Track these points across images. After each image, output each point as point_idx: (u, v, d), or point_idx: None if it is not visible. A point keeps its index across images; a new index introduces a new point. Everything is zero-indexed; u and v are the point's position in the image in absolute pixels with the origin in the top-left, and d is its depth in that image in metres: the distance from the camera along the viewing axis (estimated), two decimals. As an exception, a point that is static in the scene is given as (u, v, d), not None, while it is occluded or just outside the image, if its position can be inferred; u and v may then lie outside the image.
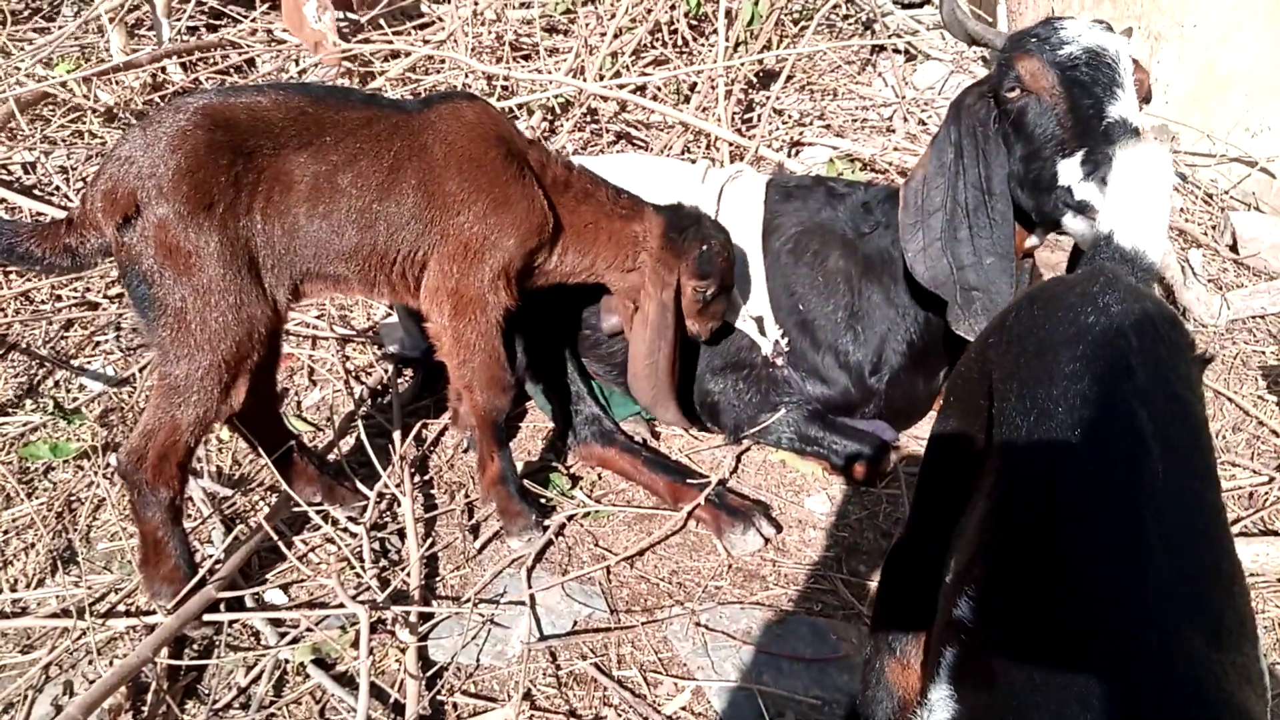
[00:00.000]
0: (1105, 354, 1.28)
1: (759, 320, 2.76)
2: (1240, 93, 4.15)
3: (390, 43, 4.58)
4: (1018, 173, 2.36)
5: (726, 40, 4.43)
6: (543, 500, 2.63)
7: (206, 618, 2.17)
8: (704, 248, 2.48)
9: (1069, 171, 2.22)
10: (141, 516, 2.11)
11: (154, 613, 2.16)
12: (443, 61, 4.52)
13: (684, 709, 2.10)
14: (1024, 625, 1.11)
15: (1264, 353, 3.39)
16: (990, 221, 2.42)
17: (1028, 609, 1.12)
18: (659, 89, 4.51)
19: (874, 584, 2.44)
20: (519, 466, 2.73)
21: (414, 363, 3.03)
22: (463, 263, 2.26)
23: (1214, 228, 4.05)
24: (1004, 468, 1.29)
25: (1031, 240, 2.52)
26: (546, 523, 2.51)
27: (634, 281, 2.56)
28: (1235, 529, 2.62)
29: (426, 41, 4.75)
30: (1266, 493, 2.74)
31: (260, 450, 2.43)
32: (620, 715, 2.08)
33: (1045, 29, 2.32)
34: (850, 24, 5.49)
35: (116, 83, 4.39)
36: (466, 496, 2.63)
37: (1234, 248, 3.90)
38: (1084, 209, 2.21)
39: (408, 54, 4.56)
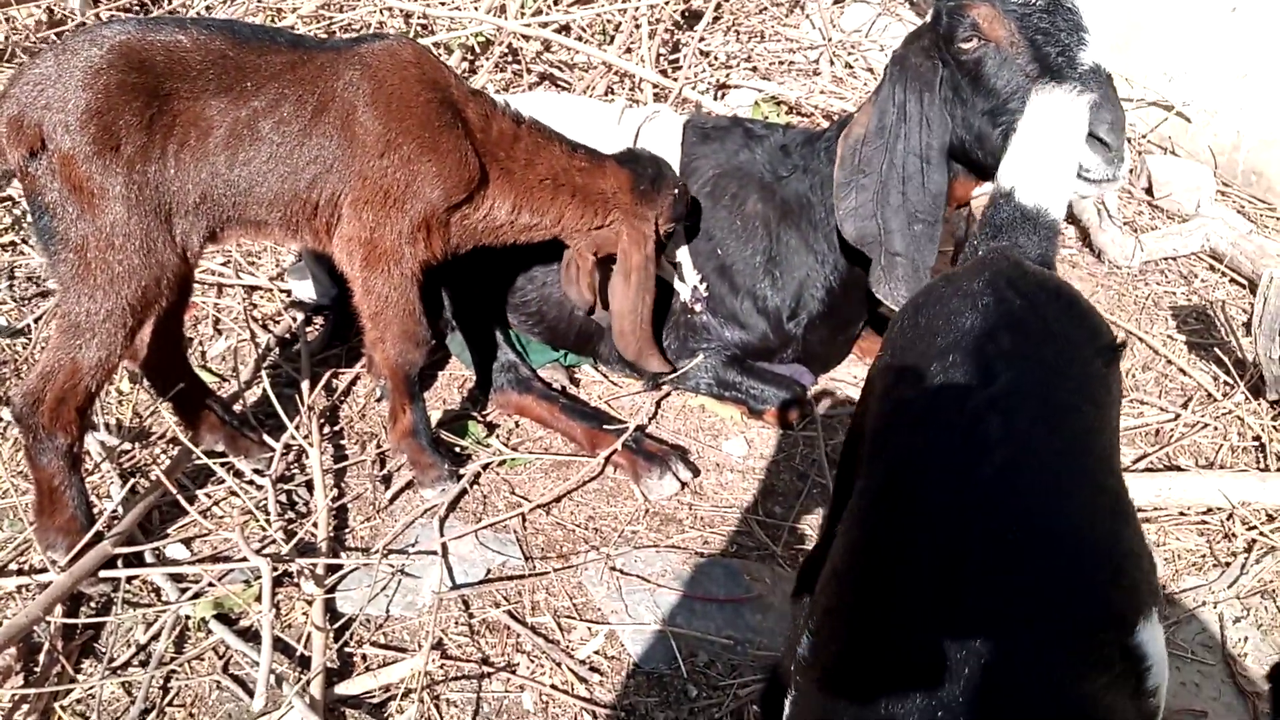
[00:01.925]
0: (970, 360, 1.24)
1: (677, 266, 2.73)
2: (1158, 37, 4.18)
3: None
4: (977, 126, 2.29)
5: (651, -22, 4.32)
6: (458, 449, 2.59)
7: (104, 574, 2.09)
8: (675, 192, 2.45)
9: None
10: (37, 464, 2.04)
11: (46, 570, 2.08)
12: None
13: (597, 653, 2.10)
14: (846, 659, 1.10)
15: (1175, 293, 3.46)
16: (924, 189, 2.39)
17: (851, 640, 1.11)
18: (584, 29, 4.40)
19: (789, 525, 2.45)
20: (436, 415, 2.68)
21: (324, 310, 2.95)
22: (380, 210, 2.17)
23: (1131, 170, 4.10)
24: (860, 488, 1.27)
25: (980, 190, 2.49)
26: (461, 472, 2.47)
27: (601, 238, 2.49)
28: (1141, 465, 2.69)
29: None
30: (1172, 429, 2.81)
31: (164, 399, 2.35)
32: (533, 661, 2.06)
33: None
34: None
35: (7, 20, 4.15)
36: (379, 447, 2.58)
37: (1150, 190, 3.96)
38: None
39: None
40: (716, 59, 4.52)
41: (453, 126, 2.20)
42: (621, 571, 2.27)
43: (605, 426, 2.60)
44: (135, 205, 1.92)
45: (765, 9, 4.91)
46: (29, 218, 1.95)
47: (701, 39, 4.39)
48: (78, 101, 1.86)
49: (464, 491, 2.46)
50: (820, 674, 1.12)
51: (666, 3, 4.32)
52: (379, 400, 2.75)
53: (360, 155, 2.13)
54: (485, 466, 2.55)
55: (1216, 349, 3.08)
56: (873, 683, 1.04)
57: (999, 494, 1.13)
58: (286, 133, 2.05)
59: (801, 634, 1.19)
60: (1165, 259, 3.61)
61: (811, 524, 2.46)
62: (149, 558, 2.18)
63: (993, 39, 2.21)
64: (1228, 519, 2.49)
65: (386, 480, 2.48)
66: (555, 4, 4.48)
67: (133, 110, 1.90)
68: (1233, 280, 3.50)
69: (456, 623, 2.13)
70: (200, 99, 1.97)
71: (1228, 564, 2.38)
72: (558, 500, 2.46)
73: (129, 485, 2.33)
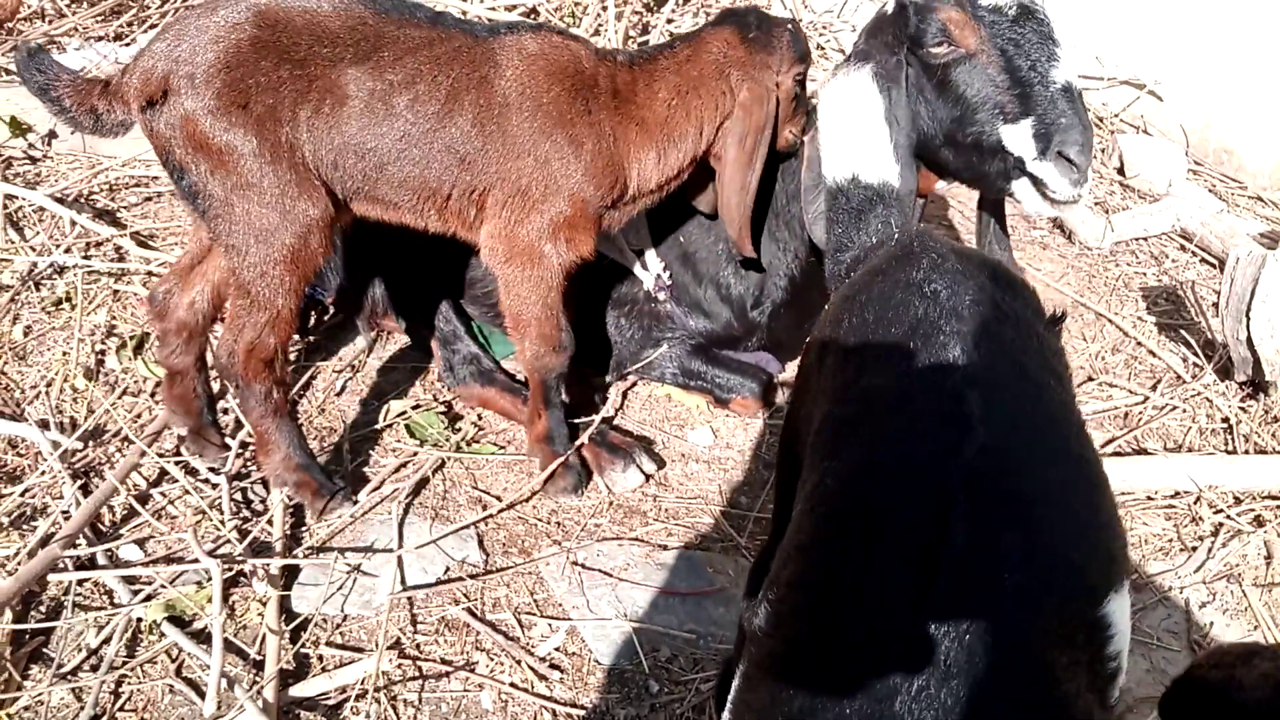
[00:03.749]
0: (936, 346, 1.23)
1: (640, 254, 2.69)
2: (1130, 16, 4.15)
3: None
4: (944, 130, 2.23)
5: (619, -41, 4.26)
6: (419, 444, 2.55)
7: (53, 577, 2.06)
8: (788, 31, 2.24)
9: (1017, 140, 2.11)
10: (245, 410, 2.23)
11: (-6, 576, 2.04)
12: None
13: (558, 650, 2.07)
14: (810, 628, 1.08)
15: (1145, 274, 3.45)
16: None
17: (820, 616, 1.09)
18: (551, 13, 4.34)
19: (754, 515, 2.43)
20: (399, 406, 2.64)
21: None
22: (520, 210, 2.14)
23: (1103, 150, 4.08)
24: (826, 468, 1.25)
25: (940, 185, 2.46)
26: (576, 482, 2.43)
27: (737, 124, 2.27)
28: (1110, 448, 2.68)
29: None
30: (1140, 412, 2.79)
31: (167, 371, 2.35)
32: (492, 659, 2.04)
33: None
34: (751, -56, 5.33)
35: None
36: (340, 443, 2.54)
37: (1121, 170, 3.94)
38: (1039, 184, 2.14)
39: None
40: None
41: (586, 114, 2.13)
42: (583, 566, 2.25)
43: (570, 419, 2.57)
44: (270, 164, 1.93)
45: (736, -10, 4.86)
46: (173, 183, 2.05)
47: (669, 20, 4.34)
48: (206, 56, 1.88)
49: (424, 483, 2.43)
50: (782, 647, 1.10)
51: (634, -15, 4.26)
52: (339, 395, 2.71)
53: (495, 155, 2.09)
54: (445, 460, 2.51)
55: (1185, 330, 3.07)
56: (844, 658, 1.02)
57: (983, 472, 1.12)
58: (420, 114, 2.02)
59: (759, 605, 1.17)
60: (1136, 239, 3.59)
61: (777, 514, 2.44)
62: (101, 559, 2.15)
63: (963, 46, 2.16)
64: (1195, 502, 2.48)
65: (346, 476, 2.44)
66: (522, -14, 4.42)
67: (264, 70, 1.90)
68: (1203, 260, 3.49)
69: (414, 621, 2.10)
70: (337, 65, 1.96)
71: (1194, 548, 2.37)
72: (526, 500, 2.43)
73: (79, 485, 2.28)
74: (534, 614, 2.14)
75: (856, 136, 1.62)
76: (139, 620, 2.04)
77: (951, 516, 1.05)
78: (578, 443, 2.47)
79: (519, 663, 2.02)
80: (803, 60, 2.26)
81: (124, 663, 1.97)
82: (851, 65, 2.34)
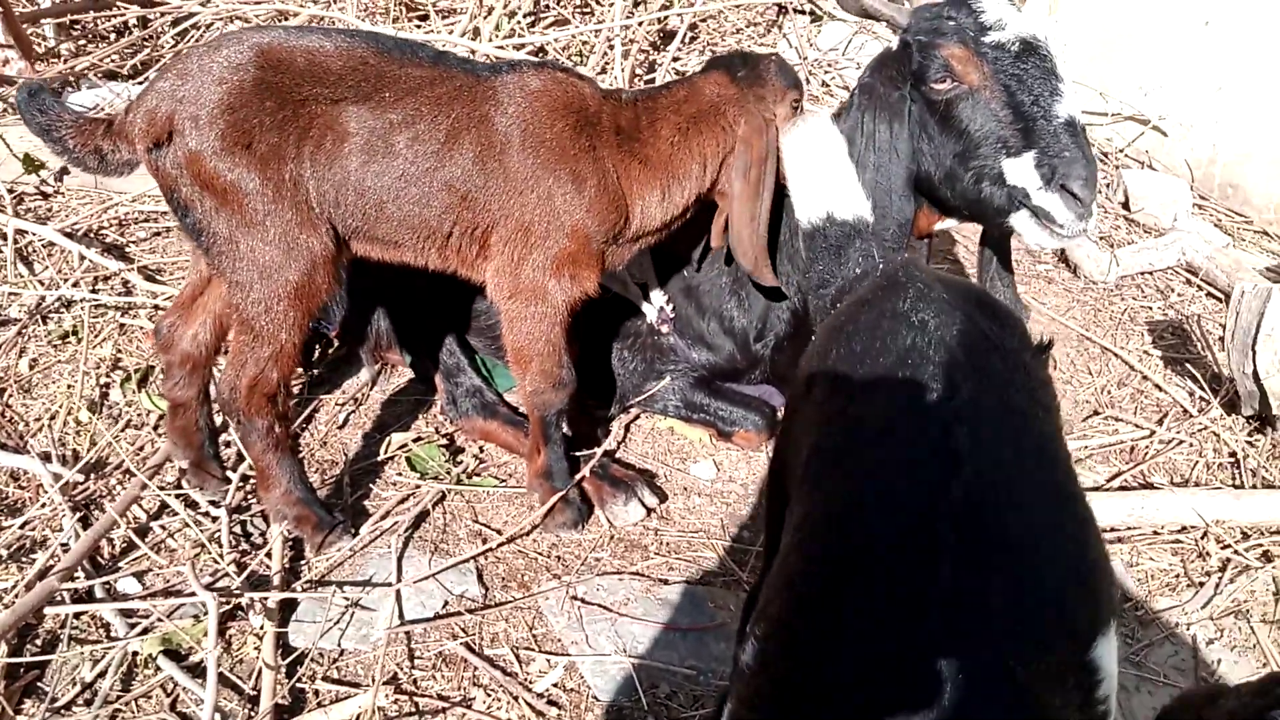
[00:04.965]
0: (924, 376, 1.23)
1: (644, 286, 2.70)
2: (1134, 51, 4.18)
3: (273, 2, 4.39)
4: (947, 165, 2.24)
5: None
6: (420, 476, 2.54)
7: (49, 611, 2.05)
8: (773, 64, 2.26)
9: (1020, 173, 2.13)
10: (247, 444, 2.23)
11: (-9, 608, 2.03)
12: (331, 22, 4.34)
13: (556, 685, 2.05)
14: (798, 666, 1.07)
15: (1151, 308, 3.43)
16: (891, 218, 2.34)
17: (806, 648, 1.07)
18: (559, 52, 4.39)
19: (756, 550, 2.41)
20: (401, 438, 2.64)
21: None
22: (524, 246, 2.14)
23: (1108, 185, 4.09)
24: (814, 500, 1.24)
25: (942, 224, 2.47)
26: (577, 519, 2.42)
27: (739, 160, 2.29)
28: (1116, 483, 2.65)
29: (315, 1, 4.56)
30: (1146, 446, 2.77)
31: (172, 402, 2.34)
32: (490, 695, 2.02)
33: (959, 10, 2.18)
34: (756, -16, 5.40)
35: None
36: (341, 475, 2.54)
37: (1126, 205, 3.94)
38: (1041, 215, 2.14)
39: (295, 14, 4.37)
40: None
41: (589, 150, 2.14)
42: (583, 601, 2.23)
43: (572, 453, 2.56)
44: (273, 202, 1.95)
45: (741, 30, 4.92)
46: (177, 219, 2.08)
47: (675, 58, 4.38)
48: (210, 97, 1.91)
49: (424, 516, 2.42)
50: (770, 685, 1.09)
51: (640, 24, 4.31)
52: (341, 428, 2.71)
53: (497, 192, 2.10)
54: (445, 493, 2.51)
55: (1192, 364, 3.05)
56: (831, 700, 1.01)
57: (972, 507, 1.11)
58: (420, 152, 2.04)
59: (746, 640, 1.15)
60: (1141, 273, 3.59)
61: (779, 548, 2.42)
62: (99, 592, 2.14)
63: (966, 82, 2.17)
64: (1202, 538, 2.44)
65: (345, 510, 2.44)
66: (531, 27, 4.48)
67: (265, 109, 1.93)
68: (1209, 294, 3.48)
69: (412, 656, 2.08)
70: (339, 105, 1.99)
71: (1201, 584, 2.34)
72: (526, 534, 2.41)
73: (79, 517, 2.28)
74: (532, 649, 2.12)
75: (825, 177, 1.68)
76: (134, 654, 2.03)
77: (940, 558, 1.04)
78: (578, 477, 2.46)
79: (516, 699, 2.00)
80: (794, 88, 2.27)
81: (118, 697, 1.96)
82: (853, 105, 2.37)
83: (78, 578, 2.13)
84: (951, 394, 1.20)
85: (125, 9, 4.53)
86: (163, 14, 4.50)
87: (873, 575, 1.07)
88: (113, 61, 4.26)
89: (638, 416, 2.83)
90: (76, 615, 2.08)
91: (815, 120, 1.84)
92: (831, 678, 1.02)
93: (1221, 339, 3.07)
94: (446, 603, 2.20)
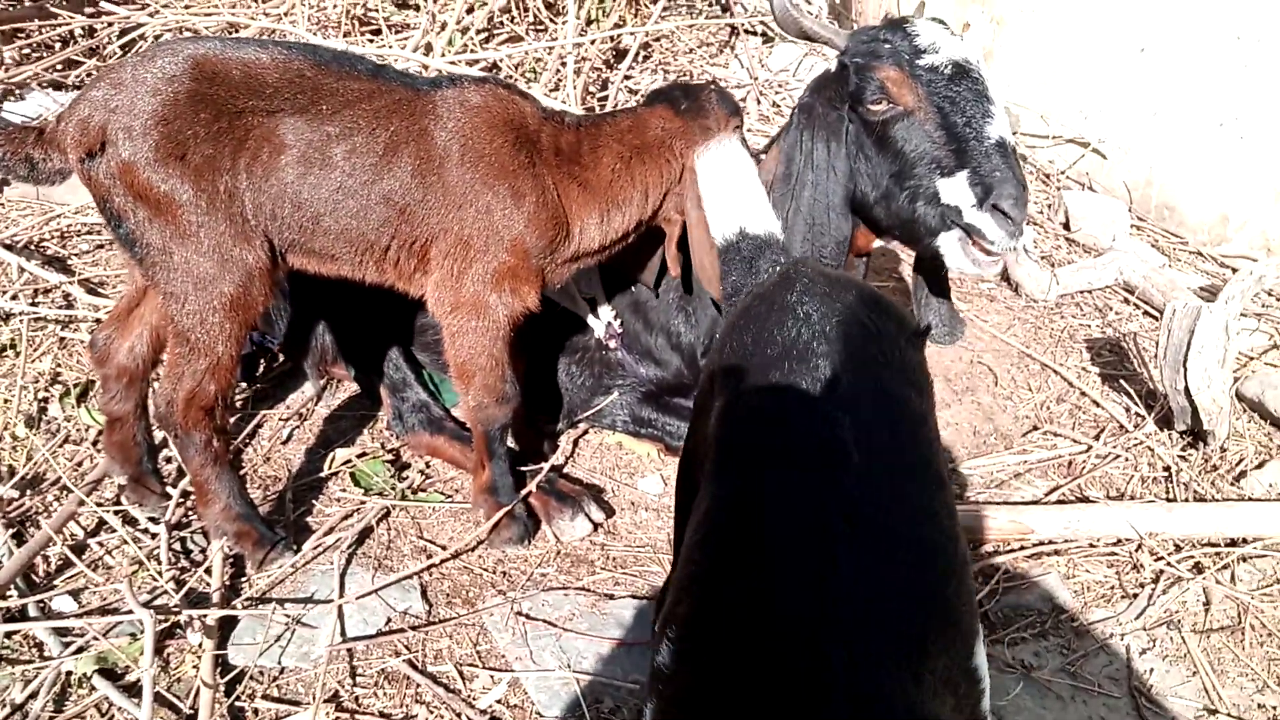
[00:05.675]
0: (809, 366, 1.28)
1: (591, 301, 2.71)
2: (1073, 76, 4.29)
3: (222, 10, 4.35)
4: (883, 185, 2.29)
5: (578, 17, 4.36)
6: (364, 493, 2.53)
7: (-20, 631, 2.01)
8: (713, 93, 2.30)
9: (953, 192, 2.17)
10: (185, 459, 2.18)
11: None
12: (282, 35, 4.32)
13: (499, 702, 2.04)
14: (716, 663, 1.08)
15: (1089, 326, 3.52)
16: (829, 235, 2.38)
17: (720, 645, 1.09)
18: (513, 69, 4.41)
19: (702, 565, 2.42)
20: (345, 454, 2.62)
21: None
22: (463, 259, 2.14)
23: (1049, 206, 4.19)
24: (715, 495, 1.26)
25: (879, 242, 2.51)
26: (523, 535, 2.42)
27: (682, 192, 2.34)
28: (1054, 496, 2.71)
29: (266, 14, 4.53)
30: (1084, 461, 2.83)
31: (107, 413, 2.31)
32: (432, 713, 2.01)
33: (895, 34, 2.24)
34: (709, 5, 5.47)
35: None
36: (284, 491, 2.51)
37: (1066, 225, 4.04)
38: (973, 233, 2.18)
39: (245, 26, 4.34)
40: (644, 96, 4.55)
41: (529, 166, 2.15)
42: (527, 616, 2.23)
43: (519, 468, 2.56)
44: (207, 213, 1.93)
45: (693, 50, 4.97)
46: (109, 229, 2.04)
47: (627, 76, 4.42)
48: (144, 108, 1.89)
49: (368, 532, 2.41)
50: (693, 683, 1.10)
51: (593, 42, 4.35)
52: (285, 443, 2.69)
53: (436, 206, 2.09)
54: (390, 509, 2.49)
55: (1128, 381, 3.13)
56: (746, 690, 1.02)
57: (861, 498, 1.15)
58: (358, 165, 2.03)
59: (660, 641, 1.17)
60: (1081, 292, 3.67)
61: (724, 563, 2.44)
62: (33, 610, 2.10)
63: (901, 103, 2.22)
64: (1136, 550, 2.50)
65: (287, 526, 2.41)
66: (485, 43, 4.50)
67: (202, 122, 1.91)
68: (1146, 313, 3.57)
69: (354, 674, 2.06)
70: (275, 116, 1.97)
71: (1135, 595, 2.39)
72: (472, 550, 2.41)
73: (13, 534, 2.23)
74: (476, 665, 2.11)
75: (738, 195, 1.74)
76: (68, 674, 1.99)
77: (837, 550, 1.07)
78: (524, 492, 2.46)
79: (459, 715, 1.99)
80: (735, 114, 2.32)
81: (50, 718, 1.92)
82: (793, 125, 2.42)
83: (10, 596, 2.09)
84: (835, 384, 1.25)
85: (71, 19, 4.47)
86: (109, 24, 4.45)
87: (773, 572, 1.10)
88: (57, 70, 4.20)
89: (586, 431, 2.84)
90: (8, 635, 2.04)
91: (728, 143, 1.91)
92: (749, 675, 1.04)
93: (1155, 356, 3.16)
94: (389, 619, 2.19)
